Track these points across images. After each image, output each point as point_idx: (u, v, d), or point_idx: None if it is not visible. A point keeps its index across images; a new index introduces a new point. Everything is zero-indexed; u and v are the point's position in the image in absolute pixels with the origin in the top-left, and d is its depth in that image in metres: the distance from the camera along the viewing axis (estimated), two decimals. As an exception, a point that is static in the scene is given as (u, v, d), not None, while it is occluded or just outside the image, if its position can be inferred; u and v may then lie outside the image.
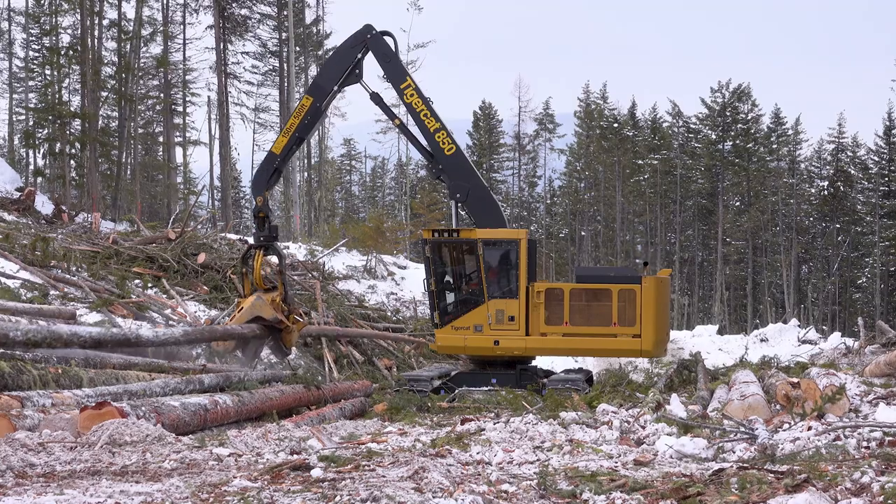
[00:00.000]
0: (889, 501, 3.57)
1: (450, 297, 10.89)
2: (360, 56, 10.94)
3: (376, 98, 11.21)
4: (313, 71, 34.49)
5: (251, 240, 11.29)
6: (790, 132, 48.99)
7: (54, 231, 15.36)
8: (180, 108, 35.04)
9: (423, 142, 11.17)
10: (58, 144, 27.18)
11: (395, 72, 11.12)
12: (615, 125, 50.30)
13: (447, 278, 10.93)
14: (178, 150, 35.77)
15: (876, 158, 48.18)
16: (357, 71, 10.95)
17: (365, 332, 13.48)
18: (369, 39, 10.94)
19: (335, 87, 11.03)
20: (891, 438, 5.07)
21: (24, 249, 12.26)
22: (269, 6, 34.72)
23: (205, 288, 12.97)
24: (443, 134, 11.07)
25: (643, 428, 6.11)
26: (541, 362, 11.84)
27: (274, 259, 11.07)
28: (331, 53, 11.35)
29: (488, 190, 11.81)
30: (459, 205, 11.14)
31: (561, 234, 51.47)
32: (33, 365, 6.62)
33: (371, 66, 11.18)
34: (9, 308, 8.32)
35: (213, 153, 34.94)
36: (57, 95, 28.86)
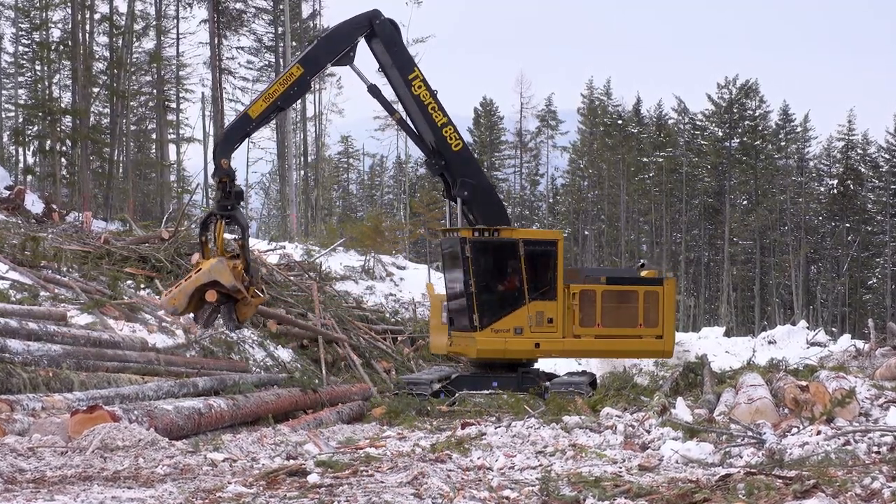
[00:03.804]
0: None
1: (490, 299, 10.63)
2: (359, 39, 10.47)
3: (374, 90, 10.70)
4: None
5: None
6: (799, 129, 48.65)
7: (45, 230, 15.16)
8: (174, 105, 34.74)
9: (427, 136, 10.79)
10: (48, 142, 26.95)
11: (403, 61, 10.61)
12: (619, 122, 50.01)
13: (486, 279, 10.67)
14: (172, 148, 35.51)
15: (887, 156, 47.82)
16: (352, 53, 10.45)
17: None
18: (377, 24, 10.45)
19: (328, 64, 10.61)
20: (903, 443, 4.94)
21: (13, 249, 12.07)
22: (265, 0, 34.56)
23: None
24: (450, 129, 10.75)
25: (648, 432, 6.03)
26: (543, 365, 11.74)
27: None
28: (331, 28, 10.65)
29: (493, 187, 11.64)
30: (463, 203, 10.88)
31: (564, 234, 51.13)
32: (23, 368, 6.57)
33: (366, 60, 10.75)
34: (-1, 309, 8.25)
35: (208, 151, 34.31)
36: (47, 92, 28.68)
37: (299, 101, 10.06)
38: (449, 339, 10.85)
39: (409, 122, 11.03)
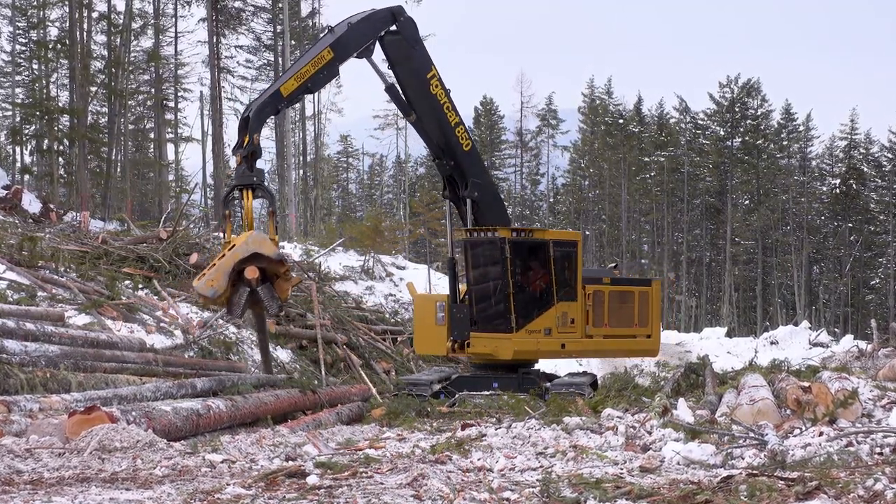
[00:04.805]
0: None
1: (526, 300, 10.66)
2: (383, 32, 10.31)
3: (393, 91, 10.56)
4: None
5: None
6: (801, 128, 48.43)
7: (42, 230, 15.07)
8: (172, 104, 34.69)
9: (438, 136, 10.68)
10: (45, 141, 26.94)
11: (422, 59, 10.50)
12: (620, 121, 49.87)
13: (524, 280, 10.72)
14: (170, 147, 35.46)
15: (890, 156, 47.63)
16: (372, 47, 10.29)
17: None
18: (401, 20, 10.36)
19: (354, 53, 10.17)
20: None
21: (10, 249, 12.00)
22: (264, -2, 34.38)
23: (197, 289, 12.78)
24: (462, 128, 10.77)
25: (649, 433, 6.00)
26: (543, 365, 11.73)
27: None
28: (357, 19, 10.25)
29: (497, 188, 11.64)
30: (473, 203, 10.80)
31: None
32: (21, 368, 6.54)
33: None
34: (-5, 309, 8.21)
35: (206, 150, 34.36)
36: (45, 91, 28.81)
37: (273, 116, 9.78)
38: (451, 341, 10.72)
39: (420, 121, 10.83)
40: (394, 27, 10.42)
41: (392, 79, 10.72)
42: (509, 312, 10.43)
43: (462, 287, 11.15)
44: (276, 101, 9.62)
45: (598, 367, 14.27)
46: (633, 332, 11.14)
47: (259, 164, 9.22)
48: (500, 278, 10.48)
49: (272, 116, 10.19)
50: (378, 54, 10.50)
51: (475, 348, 10.70)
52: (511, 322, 10.43)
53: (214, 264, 8.45)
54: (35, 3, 29.91)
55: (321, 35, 10.86)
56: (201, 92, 35.93)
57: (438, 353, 11.65)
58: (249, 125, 9.21)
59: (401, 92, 10.68)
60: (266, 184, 9.27)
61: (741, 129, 47.14)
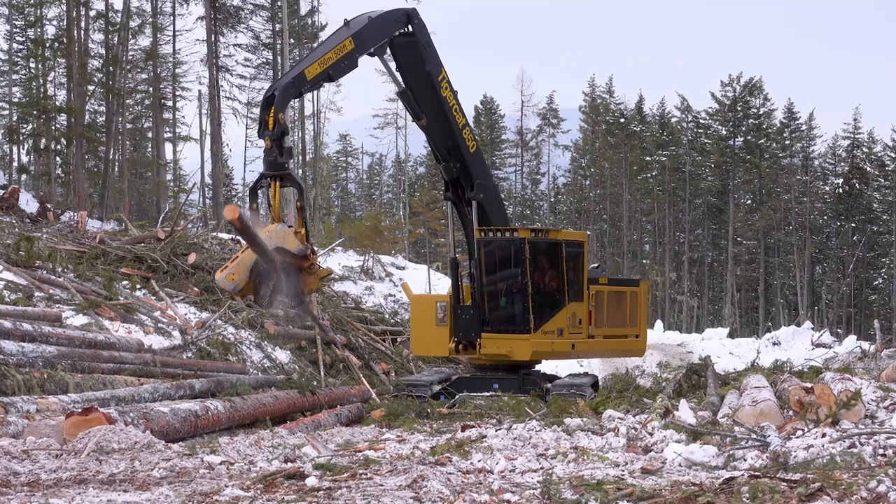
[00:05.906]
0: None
1: (543, 300, 10.69)
2: (397, 33, 10.28)
3: (405, 95, 10.57)
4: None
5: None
6: (804, 127, 48.34)
7: (39, 230, 14.99)
8: (170, 103, 34.59)
9: (445, 139, 10.68)
10: (43, 140, 26.81)
11: (434, 62, 10.51)
12: (622, 120, 49.81)
13: (542, 280, 10.75)
14: (168, 147, 35.45)
15: (893, 155, 47.55)
16: (386, 46, 10.24)
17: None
18: (416, 23, 10.38)
19: (371, 50, 10.06)
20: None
21: (7, 249, 11.97)
22: (263, -4, 34.28)
23: (195, 289, 12.68)
24: (468, 130, 10.86)
25: (651, 435, 5.97)
26: (544, 366, 11.71)
27: None
28: (374, 16, 10.19)
29: (498, 188, 11.67)
30: (478, 204, 10.79)
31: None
32: (17, 369, 6.52)
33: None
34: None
35: (204, 149, 34.05)
36: (42, 89, 28.44)
37: (295, 99, 9.84)
38: (455, 341, 10.67)
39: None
40: (406, 29, 10.41)
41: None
42: (527, 313, 10.41)
43: (465, 287, 11.09)
44: (300, 83, 9.44)
45: (598, 367, 14.28)
46: (626, 332, 11.31)
47: (260, 164, 9.11)
48: (518, 279, 10.49)
49: (296, 98, 10.09)
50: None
51: (487, 349, 10.59)
52: (529, 322, 10.43)
53: (237, 257, 8.44)
54: (32, 1, 29.80)
55: (336, 28, 10.77)
56: (199, 91, 35.90)
57: (439, 354, 11.59)
58: (275, 103, 8.96)
59: (411, 92, 10.61)
60: (292, 172, 8.95)
61: (743, 129, 47.06)
